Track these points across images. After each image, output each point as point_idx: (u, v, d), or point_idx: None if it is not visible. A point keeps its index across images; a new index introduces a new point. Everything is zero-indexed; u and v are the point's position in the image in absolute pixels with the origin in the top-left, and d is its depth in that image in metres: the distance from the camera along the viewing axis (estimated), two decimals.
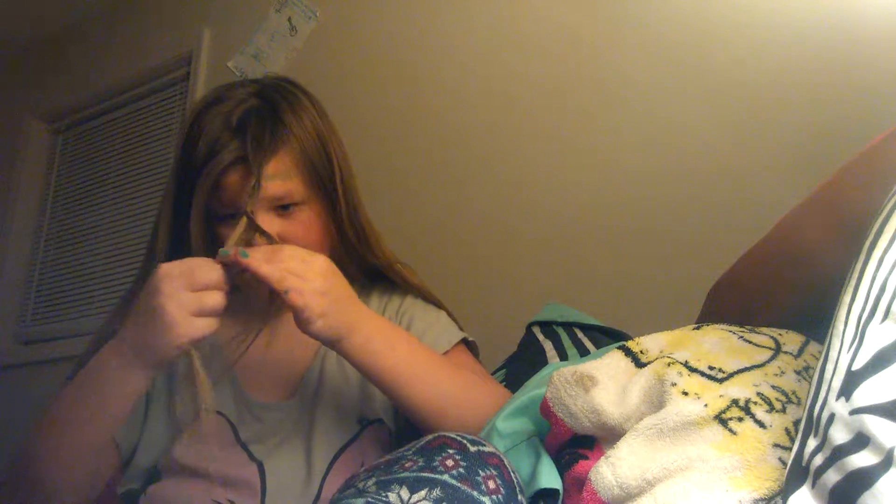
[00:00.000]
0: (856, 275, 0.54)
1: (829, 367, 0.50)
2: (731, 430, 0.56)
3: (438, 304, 1.03)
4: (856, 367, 0.48)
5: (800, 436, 0.51)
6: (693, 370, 0.62)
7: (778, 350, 0.65)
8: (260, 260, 0.74)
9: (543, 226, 1.61)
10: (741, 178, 1.38)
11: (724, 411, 0.57)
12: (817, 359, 0.61)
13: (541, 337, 1.05)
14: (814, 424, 0.49)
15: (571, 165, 1.61)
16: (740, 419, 0.56)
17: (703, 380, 0.61)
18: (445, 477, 0.58)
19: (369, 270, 1.00)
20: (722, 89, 1.45)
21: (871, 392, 0.46)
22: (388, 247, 1.00)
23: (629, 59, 1.57)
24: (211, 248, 0.84)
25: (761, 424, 0.56)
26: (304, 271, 0.76)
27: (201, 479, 0.86)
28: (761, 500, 0.51)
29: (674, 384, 0.61)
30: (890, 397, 0.44)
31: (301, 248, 0.79)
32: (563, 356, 1.00)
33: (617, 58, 1.59)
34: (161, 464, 0.89)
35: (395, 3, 1.97)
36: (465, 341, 0.98)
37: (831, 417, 0.47)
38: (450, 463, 0.60)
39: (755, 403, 0.58)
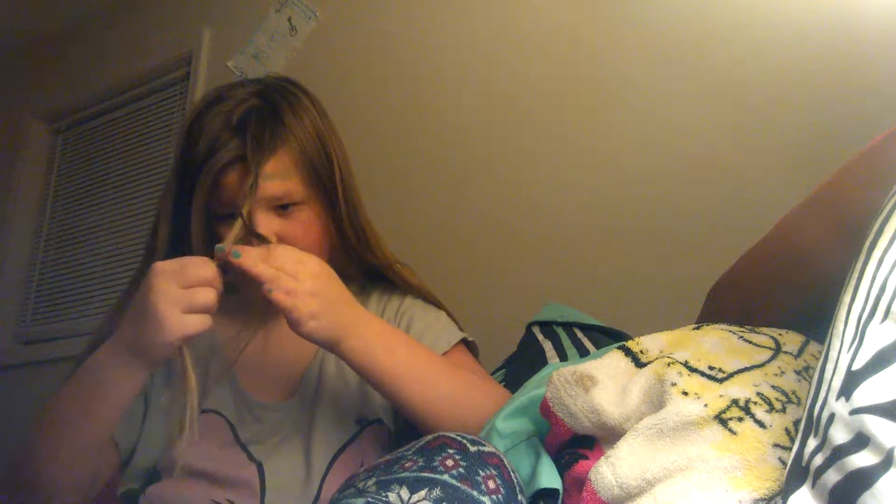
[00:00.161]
0: (856, 275, 0.54)
1: (829, 366, 0.50)
2: (731, 430, 0.56)
3: (438, 305, 1.03)
4: (856, 367, 0.48)
5: (800, 436, 0.51)
6: (693, 370, 0.62)
7: (778, 350, 0.65)
8: (254, 259, 0.74)
9: (543, 226, 1.61)
10: (741, 178, 1.38)
11: (724, 411, 0.57)
12: (817, 359, 0.61)
13: (540, 337, 1.05)
14: (814, 424, 0.49)
15: (571, 165, 1.61)
16: (740, 419, 0.56)
17: (703, 380, 0.61)
18: (445, 477, 0.58)
19: (369, 271, 1.00)
20: (722, 89, 1.45)
21: (871, 392, 0.46)
22: (387, 247, 1.00)
23: (629, 59, 1.57)
24: (211, 247, 0.84)
25: (761, 424, 0.56)
26: (296, 272, 0.75)
27: (201, 479, 0.86)
28: (761, 500, 0.51)
29: (674, 384, 0.61)
30: (890, 397, 0.44)
31: (295, 249, 0.79)
32: (563, 356, 1.00)
33: (617, 58, 1.59)
34: (160, 464, 0.89)
35: (395, 3, 1.97)
36: (464, 341, 0.98)
37: (831, 417, 0.47)
38: (450, 463, 0.60)
39: (755, 403, 0.57)
